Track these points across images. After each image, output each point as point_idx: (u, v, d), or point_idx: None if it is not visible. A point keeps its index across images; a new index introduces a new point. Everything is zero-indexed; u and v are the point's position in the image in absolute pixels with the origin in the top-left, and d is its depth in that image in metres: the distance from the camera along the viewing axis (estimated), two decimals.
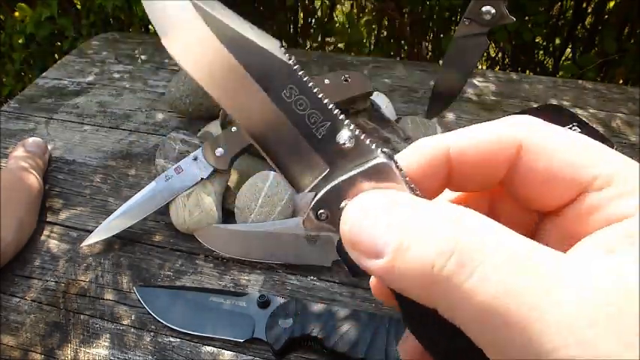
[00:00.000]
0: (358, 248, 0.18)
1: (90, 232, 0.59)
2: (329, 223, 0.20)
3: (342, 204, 0.19)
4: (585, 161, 0.18)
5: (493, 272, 0.14)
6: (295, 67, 0.19)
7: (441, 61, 1.38)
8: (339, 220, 0.19)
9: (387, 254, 0.16)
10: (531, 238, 0.16)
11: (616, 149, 0.61)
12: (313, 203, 0.20)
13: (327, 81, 0.62)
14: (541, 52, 1.45)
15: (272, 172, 0.59)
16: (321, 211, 0.20)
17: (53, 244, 0.61)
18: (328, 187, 0.20)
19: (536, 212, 0.20)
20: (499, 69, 1.49)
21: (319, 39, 1.59)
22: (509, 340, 0.14)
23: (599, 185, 0.17)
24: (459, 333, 0.15)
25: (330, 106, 0.19)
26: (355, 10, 1.62)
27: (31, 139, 0.70)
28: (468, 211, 0.16)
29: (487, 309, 0.14)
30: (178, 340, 0.51)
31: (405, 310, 0.20)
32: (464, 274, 0.15)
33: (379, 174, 0.19)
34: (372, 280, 0.23)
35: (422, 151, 0.20)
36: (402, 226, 0.17)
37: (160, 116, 0.80)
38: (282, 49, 0.19)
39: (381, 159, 0.20)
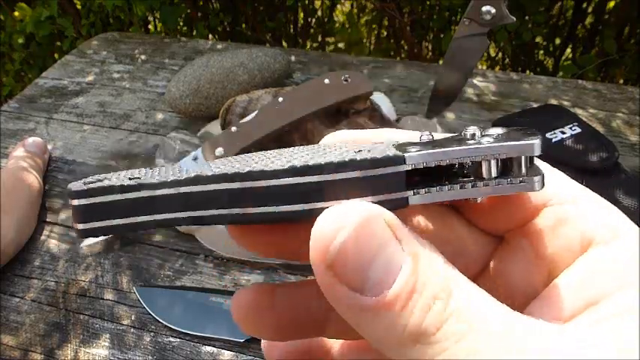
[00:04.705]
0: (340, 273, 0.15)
1: None
2: None
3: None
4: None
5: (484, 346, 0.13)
6: None
7: (441, 61, 1.38)
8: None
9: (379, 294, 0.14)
10: (489, 265, 0.17)
11: (617, 149, 0.61)
12: None
13: (327, 81, 0.62)
14: (541, 52, 1.45)
15: None
16: None
17: (53, 244, 0.61)
18: None
19: (493, 236, 0.19)
20: (499, 69, 1.49)
21: (319, 39, 1.59)
22: None
23: (560, 200, 0.17)
24: None
25: None
26: (355, 10, 1.62)
27: (31, 139, 0.70)
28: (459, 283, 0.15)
29: None
30: (178, 340, 0.51)
31: None
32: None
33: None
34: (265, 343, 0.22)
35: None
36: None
37: (159, 116, 0.80)
38: None
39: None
